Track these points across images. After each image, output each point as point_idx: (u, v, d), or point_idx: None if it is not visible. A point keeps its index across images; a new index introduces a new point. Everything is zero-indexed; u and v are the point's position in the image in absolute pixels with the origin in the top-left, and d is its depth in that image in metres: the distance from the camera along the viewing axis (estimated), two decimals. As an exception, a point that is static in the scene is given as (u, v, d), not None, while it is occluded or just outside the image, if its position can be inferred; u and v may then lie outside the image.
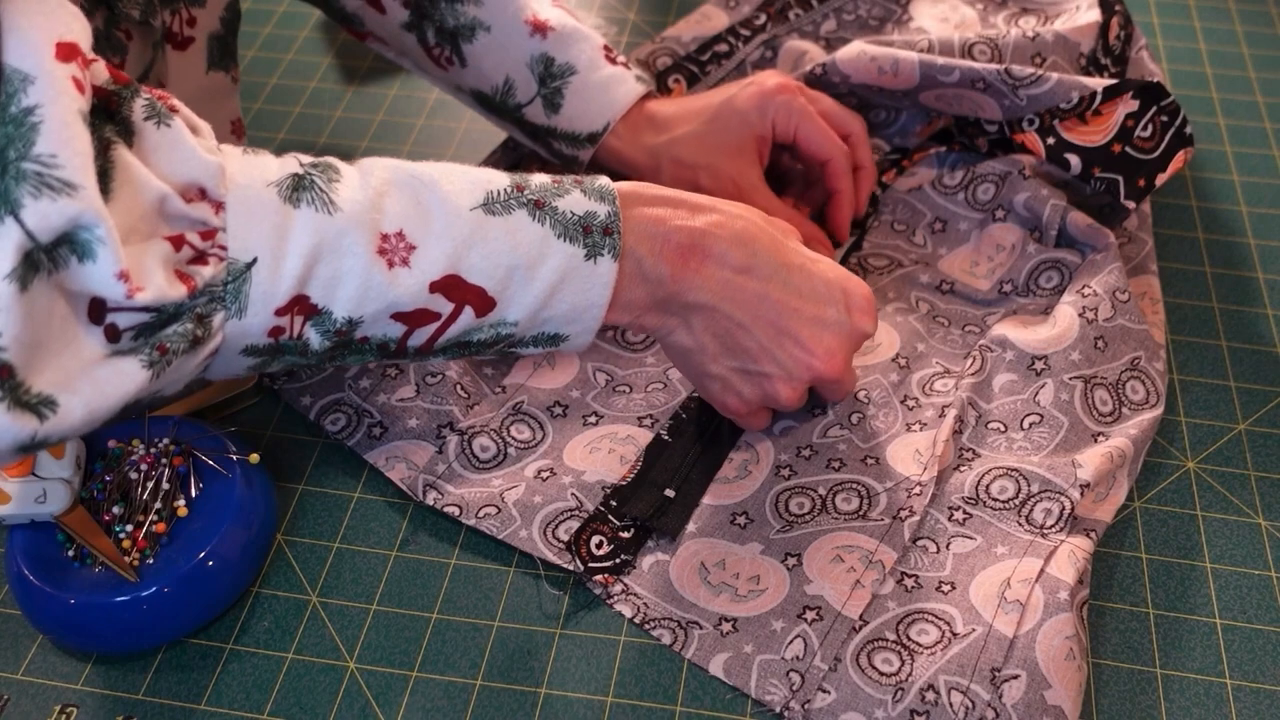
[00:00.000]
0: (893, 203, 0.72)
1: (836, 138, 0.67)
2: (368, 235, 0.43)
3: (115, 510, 0.53)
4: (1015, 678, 0.49)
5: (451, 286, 0.45)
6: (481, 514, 0.57)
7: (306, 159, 0.45)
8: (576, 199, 0.48)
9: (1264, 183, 0.77)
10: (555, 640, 0.54)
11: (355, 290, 0.44)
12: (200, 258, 0.41)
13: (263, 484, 0.56)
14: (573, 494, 0.57)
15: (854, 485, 0.57)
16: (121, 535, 0.52)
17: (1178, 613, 0.55)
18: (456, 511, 0.57)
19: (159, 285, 0.39)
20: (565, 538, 0.56)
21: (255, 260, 0.42)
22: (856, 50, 0.71)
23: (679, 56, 0.81)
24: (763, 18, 0.83)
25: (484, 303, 0.46)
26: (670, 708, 0.51)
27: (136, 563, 0.52)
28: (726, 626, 0.53)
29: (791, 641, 0.52)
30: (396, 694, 0.52)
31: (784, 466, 0.59)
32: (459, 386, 0.62)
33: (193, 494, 0.55)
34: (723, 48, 0.81)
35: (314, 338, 0.44)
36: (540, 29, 0.65)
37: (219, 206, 0.41)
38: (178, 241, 0.40)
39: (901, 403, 0.61)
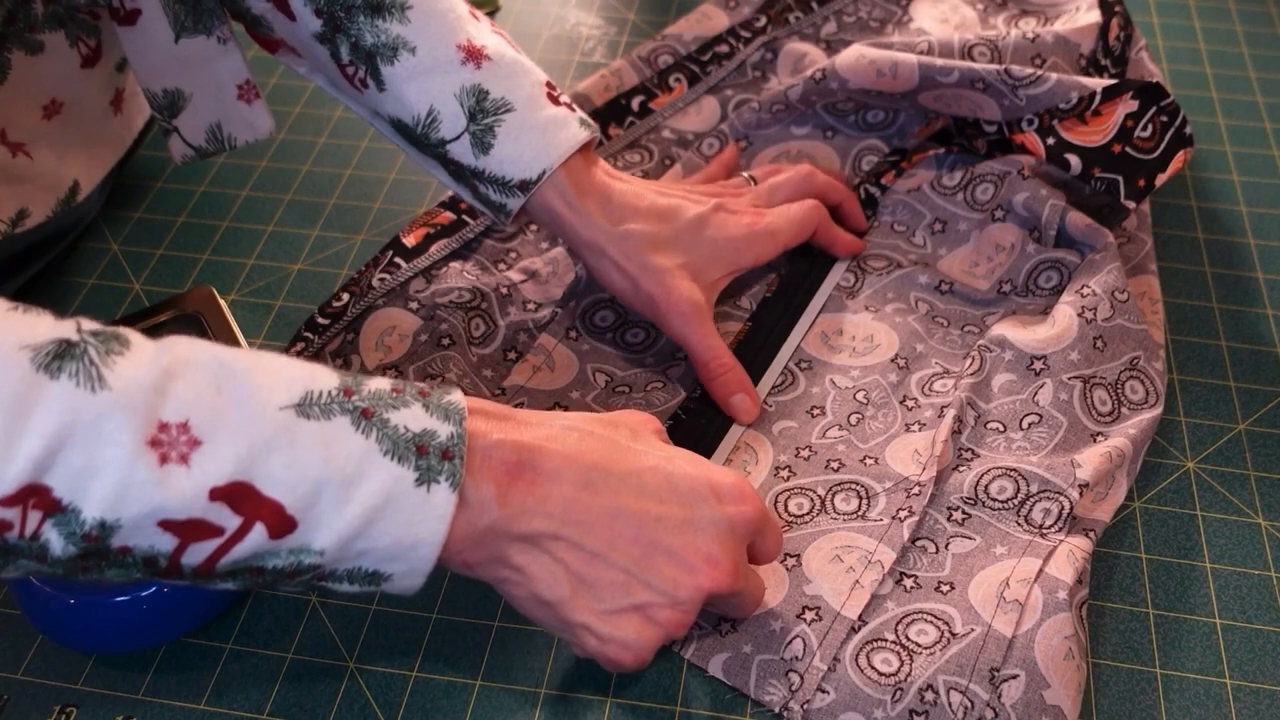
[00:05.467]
0: (892, 204, 0.72)
1: (811, 210, 0.66)
2: (137, 422, 0.36)
3: (115, 511, 0.53)
4: (1014, 677, 0.49)
5: (240, 496, 0.38)
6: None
7: (92, 326, 0.37)
8: (415, 413, 0.41)
9: (1264, 183, 0.77)
10: (555, 640, 0.54)
11: (112, 487, 0.36)
12: None
13: (263, 484, 0.57)
14: (572, 494, 0.57)
15: (853, 485, 0.57)
16: (121, 535, 0.52)
17: (1177, 613, 0.55)
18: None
19: None
20: (565, 538, 0.56)
21: None
22: (855, 55, 0.71)
23: (680, 55, 0.81)
24: (763, 20, 0.83)
25: (281, 521, 0.39)
26: (670, 708, 0.51)
27: (136, 563, 0.52)
28: (726, 626, 0.53)
29: (790, 641, 0.52)
30: (396, 694, 0.52)
31: (783, 467, 0.59)
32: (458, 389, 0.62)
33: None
34: (723, 48, 0.82)
35: (55, 540, 0.37)
36: (474, 56, 0.57)
37: None
38: None
39: (900, 403, 0.61)
